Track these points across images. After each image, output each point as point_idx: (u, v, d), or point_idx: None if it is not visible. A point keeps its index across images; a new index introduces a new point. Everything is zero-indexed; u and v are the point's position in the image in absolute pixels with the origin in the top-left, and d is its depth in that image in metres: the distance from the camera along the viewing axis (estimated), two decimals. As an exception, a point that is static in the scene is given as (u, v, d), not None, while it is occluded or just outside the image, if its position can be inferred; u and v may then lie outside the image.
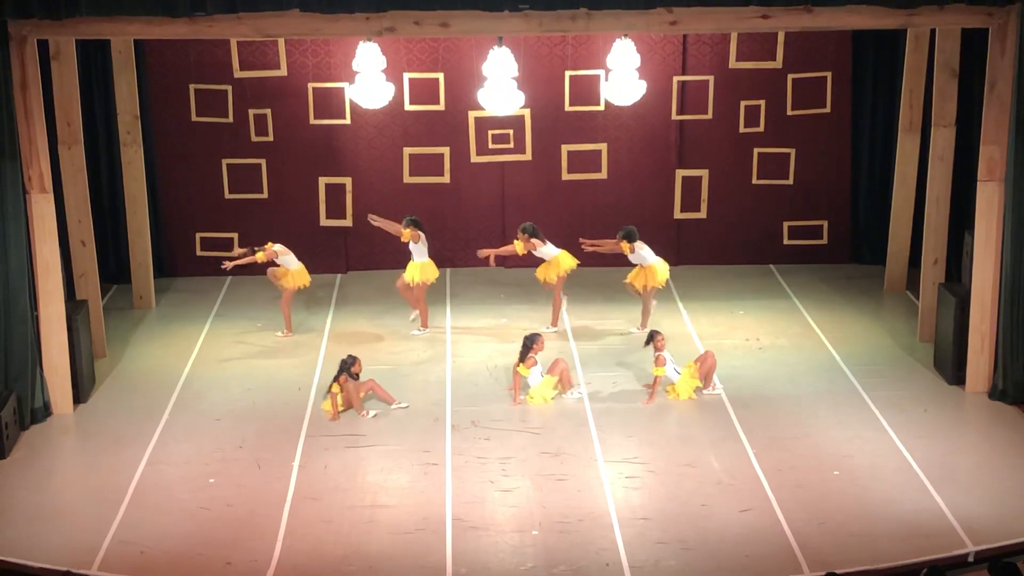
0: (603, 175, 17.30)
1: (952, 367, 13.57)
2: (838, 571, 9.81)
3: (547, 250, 15.19)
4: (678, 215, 17.44)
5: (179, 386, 13.86)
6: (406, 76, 16.70)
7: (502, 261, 16.20)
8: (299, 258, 15.21)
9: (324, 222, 17.24)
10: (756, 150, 17.32)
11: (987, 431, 12.68)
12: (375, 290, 16.74)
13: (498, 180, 17.37)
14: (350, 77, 15.61)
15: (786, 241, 17.61)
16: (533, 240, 15.12)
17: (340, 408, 12.99)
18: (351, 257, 17.48)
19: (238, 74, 16.70)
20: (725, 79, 17.03)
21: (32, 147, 12.66)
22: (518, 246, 15.25)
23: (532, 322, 15.39)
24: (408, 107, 16.90)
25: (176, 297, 16.70)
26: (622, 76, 15.39)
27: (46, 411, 13.01)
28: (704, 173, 17.38)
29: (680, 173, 17.38)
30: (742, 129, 17.22)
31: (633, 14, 12.58)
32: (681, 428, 12.85)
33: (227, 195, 17.15)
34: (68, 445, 12.68)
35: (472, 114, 16.87)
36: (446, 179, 17.27)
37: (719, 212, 17.49)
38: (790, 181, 17.41)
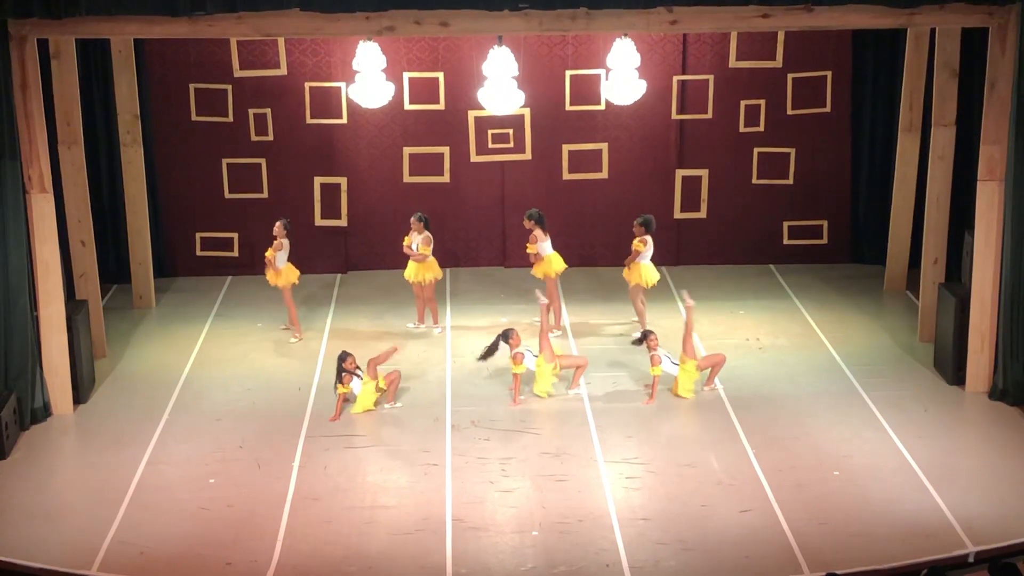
0: (604, 175, 17.29)
1: (952, 367, 13.57)
2: (838, 571, 9.83)
3: (544, 246, 15.14)
4: (678, 215, 17.43)
5: (179, 386, 13.86)
6: (406, 75, 16.69)
7: (503, 261, 16.19)
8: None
9: (319, 222, 17.23)
10: (756, 150, 17.32)
11: (987, 431, 12.68)
12: (375, 290, 16.74)
13: (498, 180, 17.37)
14: (349, 76, 15.63)
15: (786, 241, 17.61)
16: (537, 231, 15.06)
17: (369, 406, 12.99)
18: (351, 257, 17.47)
19: (238, 73, 16.70)
20: (725, 78, 17.02)
21: (32, 147, 12.66)
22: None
23: (532, 322, 15.39)
24: (408, 107, 16.89)
25: (176, 297, 16.70)
26: (622, 76, 15.39)
27: (46, 411, 13.01)
28: (704, 173, 17.37)
29: (680, 173, 17.37)
30: (742, 129, 17.22)
31: (633, 13, 12.58)
32: (681, 428, 12.85)
33: (227, 195, 17.15)
34: (68, 445, 12.68)
35: (472, 113, 16.86)
36: (446, 179, 17.27)
37: (719, 212, 17.48)
38: (790, 181, 17.40)
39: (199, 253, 17.32)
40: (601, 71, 16.48)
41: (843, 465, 11.86)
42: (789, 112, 17.15)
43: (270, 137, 16.97)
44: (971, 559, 10.28)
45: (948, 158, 14.26)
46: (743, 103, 17.12)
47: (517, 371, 13.28)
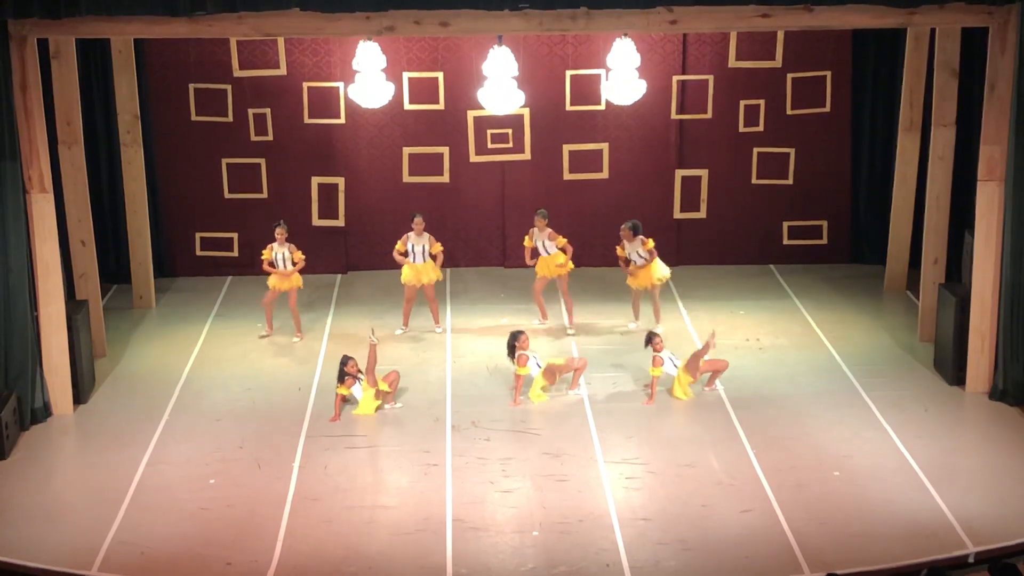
0: (604, 175, 17.30)
1: (952, 367, 13.57)
2: (838, 571, 9.83)
3: (550, 244, 15.17)
4: (678, 215, 17.43)
5: (179, 386, 13.85)
6: (405, 75, 16.69)
7: (503, 261, 16.19)
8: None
9: (316, 222, 17.22)
10: (756, 150, 17.32)
11: (987, 431, 12.67)
12: (375, 290, 16.73)
13: (498, 180, 17.37)
14: (348, 76, 15.62)
15: (786, 241, 17.61)
16: (549, 229, 15.08)
17: (370, 412, 13.00)
18: (351, 257, 17.47)
19: (237, 73, 16.70)
20: (725, 78, 17.03)
21: (32, 147, 12.66)
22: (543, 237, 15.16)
23: (532, 322, 15.40)
24: (408, 106, 16.89)
25: (176, 297, 16.70)
26: (622, 75, 15.39)
27: (46, 411, 13.01)
28: (704, 173, 17.38)
29: (680, 173, 17.37)
30: (742, 129, 17.22)
31: (633, 13, 12.58)
32: (681, 428, 12.85)
33: (227, 195, 17.15)
34: (68, 445, 12.67)
35: (471, 113, 16.86)
36: (445, 179, 17.27)
37: (719, 212, 17.48)
38: (790, 181, 17.41)
39: (199, 253, 17.33)
40: (601, 71, 16.48)
41: (843, 465, 11.85)
42: (789, 112, 17.15)
43: (270, 137, 16.97)
44: (971, 559, 10.28)
45: (948, 158, 14.25)
46: (743, 103, 17.12)
47: (520, 372, 13.28)
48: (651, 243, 14.98)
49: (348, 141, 17.09)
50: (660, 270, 15.05)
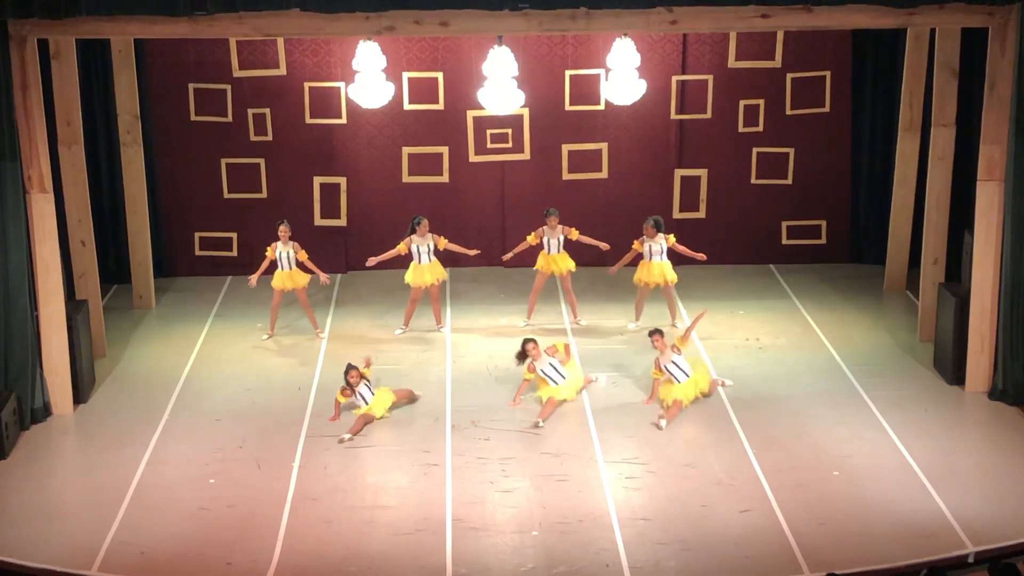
0: (604, 175, 17.31)
1: (952, 367, 13.57)
2: (838, 571, 9.83)
3: (555, 244, 15.21)
4: (677, 215, 17.43)
5: (179, 386, 13.85)
6: (405, 75, 16.70)
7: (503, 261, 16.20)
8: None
9: (318, 222, 17.23)
10: (755, 149, 17.33)
11: (987, 431, 12.68)
12: (375, 290, 16.73)
13: (497, 179, 17.38)
14: (348, 76, 15.62)
15: (785, 241, 17.61)
16: (560, 226, 15.18)
17: (376, 414, 13.00)
18: (351, 257, 17.46)
19: (237, 73, 16.70)
20: (724, 78, 17.03)
21: (32, 147, 12.66)
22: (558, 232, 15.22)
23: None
24: (407, 106, 16.90)
25: (176, 297, 16.70)
26: (622, 75, 15.40)
27: (46, 411, 13.01)
28: (703, 173, 17.38)
29: (679, 173, 17.38)
30: (741, 128, 17.22)
31: (633, 13, 12.59)
32: (681, 428, 12.84)
33: (226, 195, 17.16)
34: (68, 445, 12.67)
35: (471, 113, 16.86)
36: (445, 179, 17.28)
37: (718, 212, 17.49)
38: (789, 181, 17.41)
39: (198, 253, 17.33)
40: (601, 71, 16.49)
41: (843, 465, 11.85)
42: (788, 112, 17.16)
43: (269, 137, 16.98)
44: (971, 559, 10.28)
45: (948, 158, 14.26)
46: (742, 103, 17.12)
47: (527, 377, 13.27)
48: (672, 238, 15.03)
49: (348, 141, 17.10)
50: (671, 269, 15.09)
